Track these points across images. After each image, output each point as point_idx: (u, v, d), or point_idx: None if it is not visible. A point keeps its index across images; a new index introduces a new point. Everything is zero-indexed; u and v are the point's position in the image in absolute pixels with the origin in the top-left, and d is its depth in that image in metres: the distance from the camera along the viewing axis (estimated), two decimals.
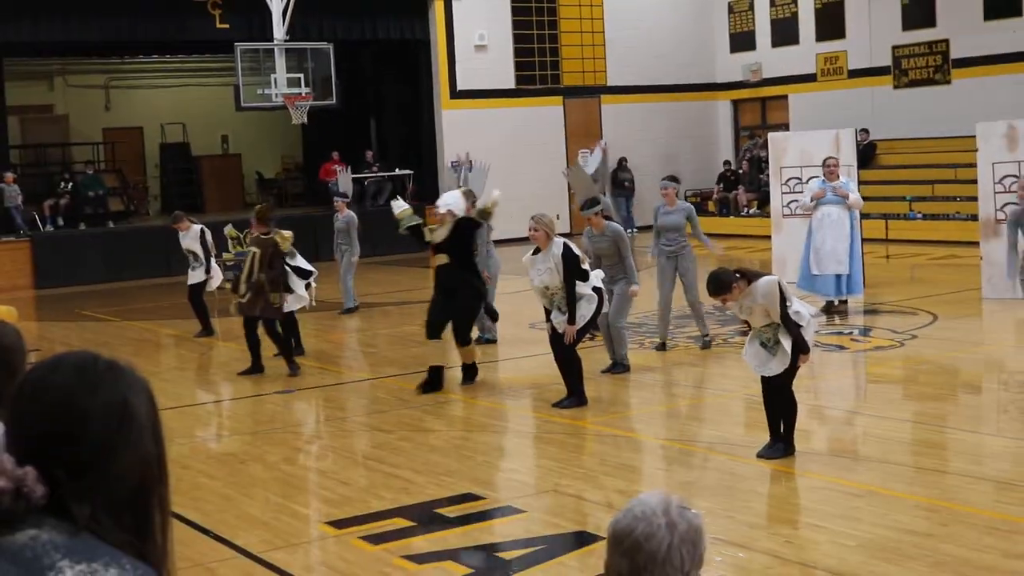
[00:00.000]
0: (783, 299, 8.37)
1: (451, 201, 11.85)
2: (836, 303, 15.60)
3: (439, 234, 11.60)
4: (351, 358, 15.17)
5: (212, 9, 25.56)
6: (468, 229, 11.71)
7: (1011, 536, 6.81)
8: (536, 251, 10.70)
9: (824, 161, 15.73)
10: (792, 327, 8.41)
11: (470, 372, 12.04)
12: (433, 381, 11.70)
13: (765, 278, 8.47)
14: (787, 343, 8.41)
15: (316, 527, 7.87)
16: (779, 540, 6.98)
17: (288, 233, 13.08)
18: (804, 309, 8.67)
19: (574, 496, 8.11)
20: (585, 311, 10.57)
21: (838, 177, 15.45)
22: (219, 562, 7.19)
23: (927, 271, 20.08)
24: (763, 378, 8.72)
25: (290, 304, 14.15)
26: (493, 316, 13.15)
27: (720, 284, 8.46)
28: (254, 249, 12.88)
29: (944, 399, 10.78)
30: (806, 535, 7.06)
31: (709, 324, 13.76)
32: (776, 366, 8.53)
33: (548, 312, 10.79)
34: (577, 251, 10.66)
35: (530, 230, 10.73)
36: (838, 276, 15.47)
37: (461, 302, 11.65)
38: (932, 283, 18.27)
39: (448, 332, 11.75)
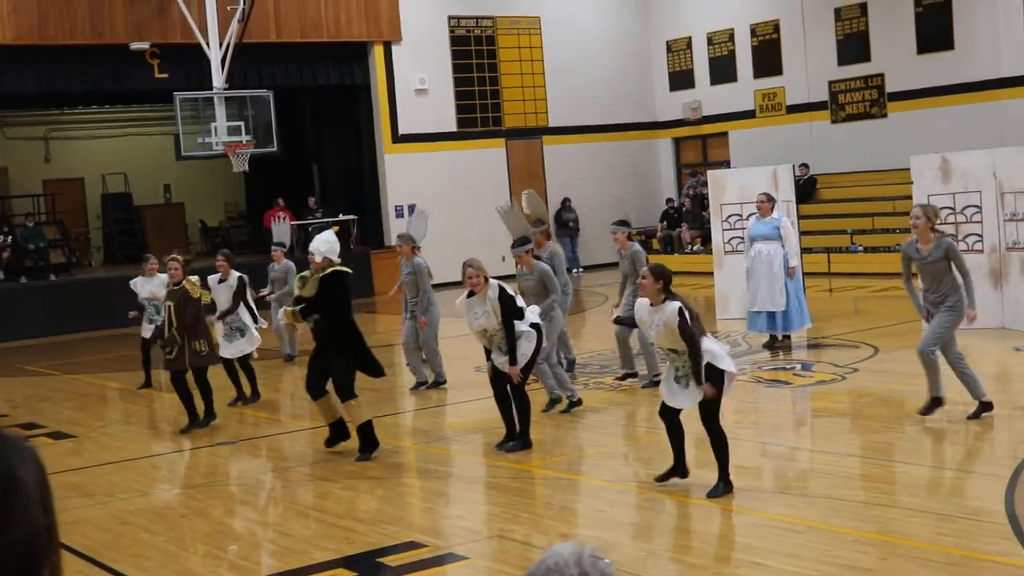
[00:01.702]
0: (686, 328, 8.44)
1: (324, 248, 10.90)
2: (780, 338, 15.69)
3: (307, 289, 10.92)
4: (296, 407, 15.06)
5: (150, 59, 25.50)
6: (337, 284, 10.85)
7: (947, 568, 6.85)
8: (470, 295, 10.73)
9: (756, 198, 15.91)
10: (696, 359, 8.49)
11: (364, 437, 10.95)
12: (335, 435, 11.32)
13: (674, 301, 8.59)
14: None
15: None
16: None
17: (195, 278, 12.75)
18: (716, 347, 8.74)
19: (519, 541, 8.09)
20: (526, 348, 10.65)
21: (769, 213, 15.52)
22: None
23: (869, 303, 20.27)
24: (668, 410, 8.80)
25: (243, 346, 14.14)
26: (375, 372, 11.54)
27: (656, 271, 8.69)
28: (169, 303, 12.68)
29: (886, 432, 10.84)
30: (748, 574, 7.07)
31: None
32: (685, 399, 8.64)
33: (488, 352, 10.84)
34: (511, 291, 10.80)
35: (468, 277, 10.71)
36: (772, 313, 15.57)
37: (334, 361, 10.88)
38: (874, 315, 18.44)
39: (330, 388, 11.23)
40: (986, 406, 10.62)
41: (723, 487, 8.64)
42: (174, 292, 12.68)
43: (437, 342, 14.62)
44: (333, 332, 10.85)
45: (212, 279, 14.59)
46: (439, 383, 14.53)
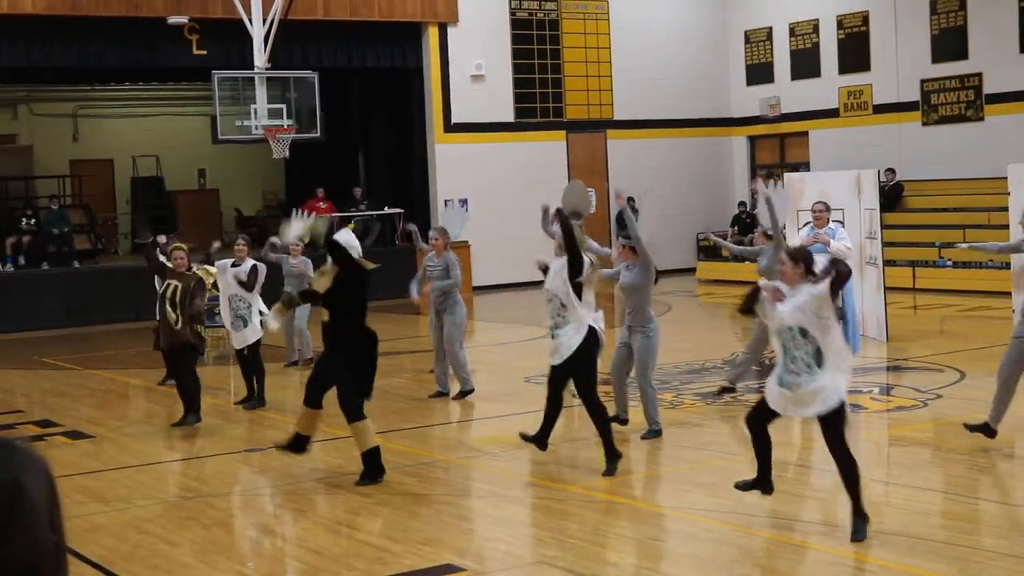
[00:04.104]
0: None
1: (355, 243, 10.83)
2: None
3: (322, 283, 10.67)
4: (330, 413, 15.09)
5: (188, 34, 25.67)
6: (353, 279, 10.64)
7: None
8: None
9: (812, 207, 15.75)
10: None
11: (369, 463, 10.61)
12: (293, 444, 11.09)
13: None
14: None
15: None
16: None
17: (211, 268, 13.66)
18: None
19: (564, 569, 8.06)
20: (573, 340, 10.43)
21: (826, 223, 15.36)
22: None
23: (956, 323, 20.07)
24: (760, 416, 8.76)
25: (247, 336, 14.32)
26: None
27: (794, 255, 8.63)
28: (176, 283, 13.12)
29: (971, 465, 10.70)
30: None
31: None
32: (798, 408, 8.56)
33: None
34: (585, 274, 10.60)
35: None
36: None
37: (340, 375, 10.59)
38: (962, 337, 18.27)
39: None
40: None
41: (863, 523, 8.31)
42: (184, 276, 13.23)
43: (463, 346, 14.62)
44: (341, 333, 10.60)
45: (221, 264, 15.02)
46: (465, 392, 14.49)
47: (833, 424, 8.33)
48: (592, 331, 10.48)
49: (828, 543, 8.41)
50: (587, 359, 10.49)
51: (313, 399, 10.87)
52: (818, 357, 8.23)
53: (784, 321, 8.35)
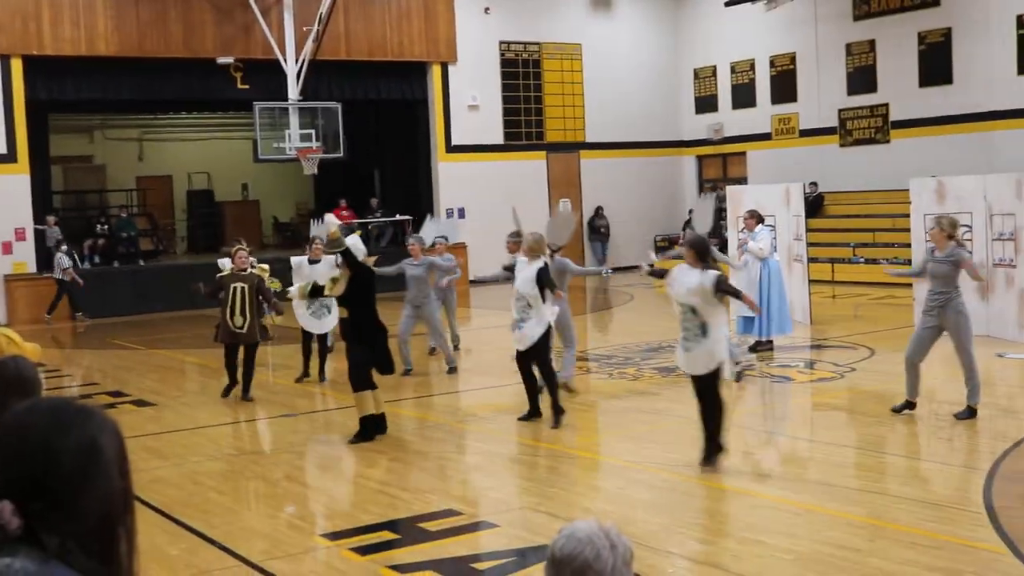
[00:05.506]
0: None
1: (358, 253, 10.81)
2: (763, 340, 15.20)
3: (338, 287, 10.75)
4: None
5: (234, 72, 25.60)
6: (363, 278, 10.68)
7: (931, 551, 6.78)
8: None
9: (744, 214, 15.73)
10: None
11: (363, 426, 10.64)
12: (375, 427, 10.78)
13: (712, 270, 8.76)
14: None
15: (311, 539, 7.81)
16: (726, 554, 6.94)
17: (266, 266, 13.39)
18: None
19: (545, 513, 8.05)
20: (534, 331, 10.71)
21: (753, 228, 15.27)
22: (222, 570, 7.12)
23: (868, 310, 20.09)
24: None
25: (330, 323, 14.15)
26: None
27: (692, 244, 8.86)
28: (241, 284, 12.85)
29: (879, 426, 10.71)
30: (748, 549, 7.01)
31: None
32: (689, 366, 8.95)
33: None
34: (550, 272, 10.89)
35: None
36: (746, 318, 15.10)
37: (350, 352, 10.74)
38: (872, 320, 18.27)
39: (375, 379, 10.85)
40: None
41: (716, 453, 8.64)
42: (248, 276, 12.94)
43: (442, 333, 14.66)
44: (357, 328, 10.65)
45: (296, 260, 14.84)
46: (452, 368, 14.45)
47: (711, 380, 8.80)
48: (548, 325, 10.84)
49: (761, 489, 8.42)
50: (545, 344, 10.83)
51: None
52: (703, 329, 8.66)
53: (679, 300, 8.78)
